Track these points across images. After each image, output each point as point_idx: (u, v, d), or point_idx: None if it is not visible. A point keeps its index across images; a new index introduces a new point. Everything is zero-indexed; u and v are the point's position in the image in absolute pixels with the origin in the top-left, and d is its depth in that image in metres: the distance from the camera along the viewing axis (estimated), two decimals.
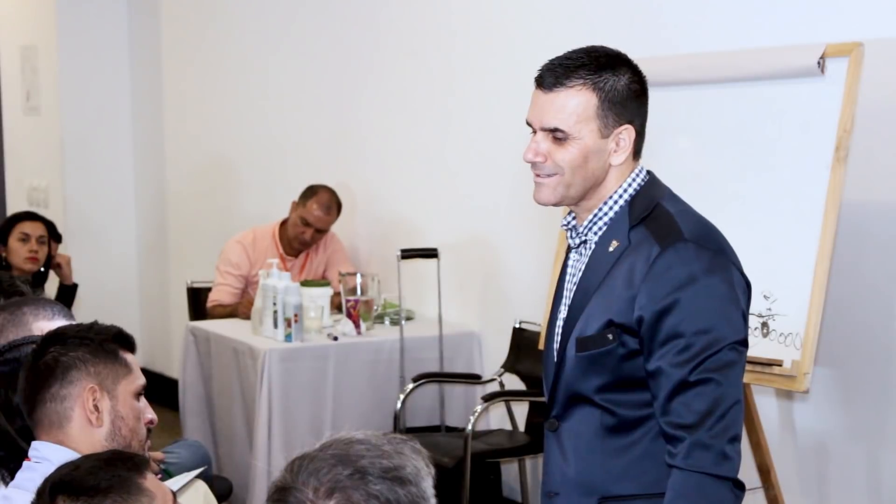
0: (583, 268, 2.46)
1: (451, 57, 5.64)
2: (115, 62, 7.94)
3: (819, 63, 3.50)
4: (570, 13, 4.99)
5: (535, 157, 2.41)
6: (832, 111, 3.45)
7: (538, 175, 2.42)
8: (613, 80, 2.38)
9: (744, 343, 2.37)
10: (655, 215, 2.40)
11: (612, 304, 2.37)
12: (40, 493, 1.99)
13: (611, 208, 2.43)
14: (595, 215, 2.44)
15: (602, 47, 2.43)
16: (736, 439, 2.33)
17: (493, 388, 5.22)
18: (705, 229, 2.41)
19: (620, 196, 2.43)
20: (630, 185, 2.44)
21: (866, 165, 3.77)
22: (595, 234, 2.45)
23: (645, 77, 2.44)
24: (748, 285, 2.42)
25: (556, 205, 2.46)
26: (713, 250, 2.37)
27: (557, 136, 2.38)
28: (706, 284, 2.32)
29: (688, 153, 3.82)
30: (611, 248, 2.41)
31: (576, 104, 2.37)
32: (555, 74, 2.38)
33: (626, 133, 2.40)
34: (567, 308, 2.48)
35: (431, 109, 5.78)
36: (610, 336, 2.37)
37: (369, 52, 6.11)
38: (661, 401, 2.33)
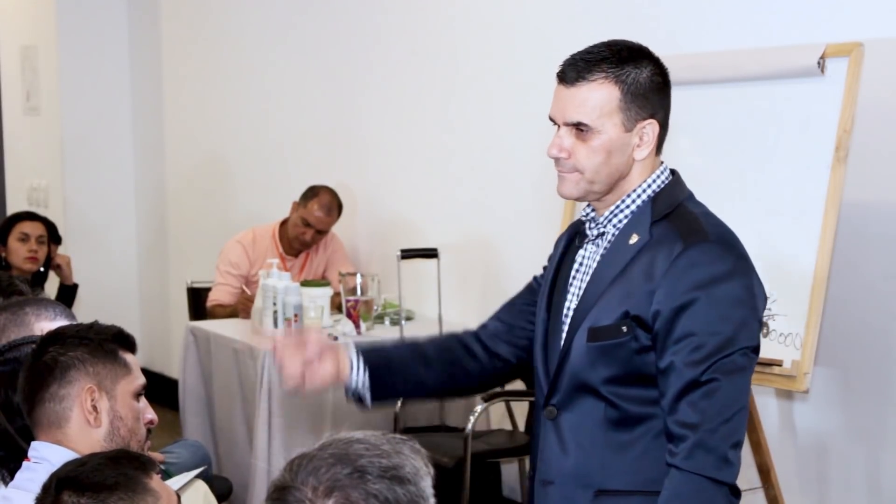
0: (599, 258, 2.44)
1: (452, 56, 5.64)
2: (115, 62, 7.94)
3: (819, 63, 3.50)
4: (571, 14, 4.99)
5: (559, 152, 2.39)
6: (832, 111, 3.45)
7: (561, 170, 2.41)
8: (636, 73, 2.36)
9: (755, 350, 2.36)
10: (679, 213, 2.39)
11: (629, 296, 2.36)
12: (46, 487, 2.00)
13: (633, 202, 2.42)
14: (617, 207, 2.42)
15: (623, 41, 2.41)
16: (738, 445, 2.32)
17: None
18: (729, 233, 2.40)
19: (644, 191, 2.42)
20: (654, 181, 2.43)
21: (866, 165, 3.77)
22: (615, 226, 2.43)
23: (667, 70, 2.42)
24: (764, 296, 2.41)
25: (579, 199, 2.45)
26: (736, 255, 2.36)
27: (581, 129, 2.37)
28: (727, 287, 2.31)
29: (688, 153, 3.81)
30: (631, 241, 2.39)
31: (598, 97, 2.35)
32: (576, 69, 2.37)
33: (651, 127, 2.39)
34: (578, 298, 2.45)
35: (432, 109, 5.78)
36: (624, 328, 2.35)
37: (370, 51, 6.11)
38: (669, 398, 2.32)
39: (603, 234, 2.45)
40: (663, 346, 2.33)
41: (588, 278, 2.45)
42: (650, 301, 2.33)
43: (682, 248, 2.32)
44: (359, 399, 2.59)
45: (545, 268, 2.65)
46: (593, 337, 2.39)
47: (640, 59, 2.38)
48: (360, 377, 2.56)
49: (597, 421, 2.41)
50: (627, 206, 2.42)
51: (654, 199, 2.41)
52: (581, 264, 2.49)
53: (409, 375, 2.59)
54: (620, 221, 2.42)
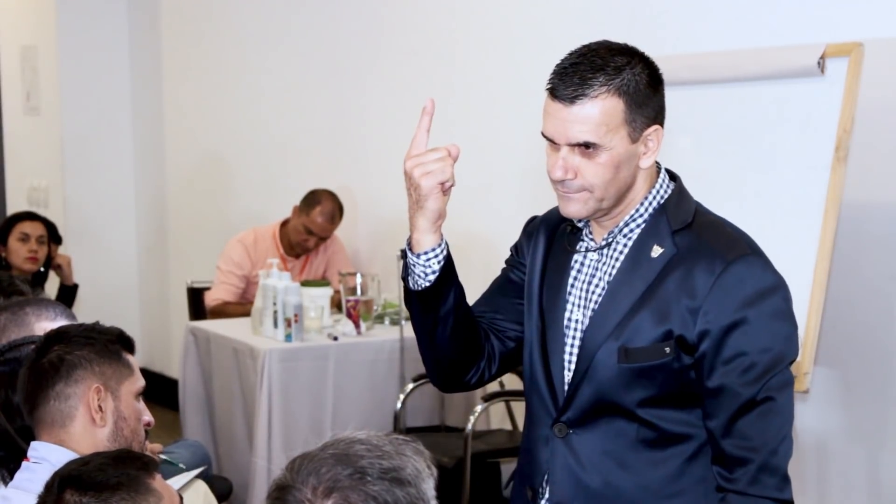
0: (611, 270, 2.33)
1: (452, 57, 5.64)
2: (115, 62, 7.94)
3: (819, 63, 3.50)
4: (571, 14, 5.00)
5: (565, 174, 2.24)
6: (832, 111, 3.45)
7: (566, 191, 2.28)
8: (635, 80, 2.22)
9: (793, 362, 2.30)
10: (702, 222, 2.31)
11: (666, 315, 2.25)
12: (49, 486, 2.01)
13: (646, 210, 2.32)
14: (630, 217, 2.32)
15: (609, 43, 2.28)
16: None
17: (493, 388, 5.22)
18: (753, 240, 2.33)
19: (654, 198, 2.32)
20: (661, 187, 2.33)
21: (866, 165, 3.77)
22: (626, 236, 2.32)
23: (656, 65, 2.30)
24: None
25: (587, 218, 2.34)
26: (772, 265, 2.29)
27: (587, 148, 2.23)
28: (773, 301, 2.25)
29: (688, 153, 3.82)
30: (654, 254, 2.28)
31: (603, 114, 2.21)
32: (572, 85, 2.21)
33: (656, 135, 2.27)
34: (587, 310, 2.34)
35: None
36: (667, 349, 2.25)
37: (370, 52, 6.11)
38: (722, 420, 2.24)
39: (610, 244, 2.34)
40: (711, 366, 2.24)
41: (598, 290, 2.33)
42: (694, 320, 2.23)
43: (726, 264, 2.23)
44: (406, 274, 2.34)
45: (514, 261, 2.54)
46: (627, 358, 2.27)
47: (633, 61, 2.24)
48: (438, 252, 2.29)
49: (629, 441, 2.31)
50: (644, 212, 2.31)
51: (665, 205, 2.31)
52: (580, 272, 2.38)
53: (459, 299, 2.39)
54: (632, 231, 2.32)
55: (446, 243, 2.32)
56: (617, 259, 2.33)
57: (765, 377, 2.22)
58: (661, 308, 2.26)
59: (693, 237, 2.28)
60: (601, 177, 2.25)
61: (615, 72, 2.22)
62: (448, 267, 2.33)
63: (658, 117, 2.29)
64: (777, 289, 2.27)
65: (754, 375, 2.22)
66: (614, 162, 2.24)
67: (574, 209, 2.29)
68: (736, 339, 2.23)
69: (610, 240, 2.34)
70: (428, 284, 2.33)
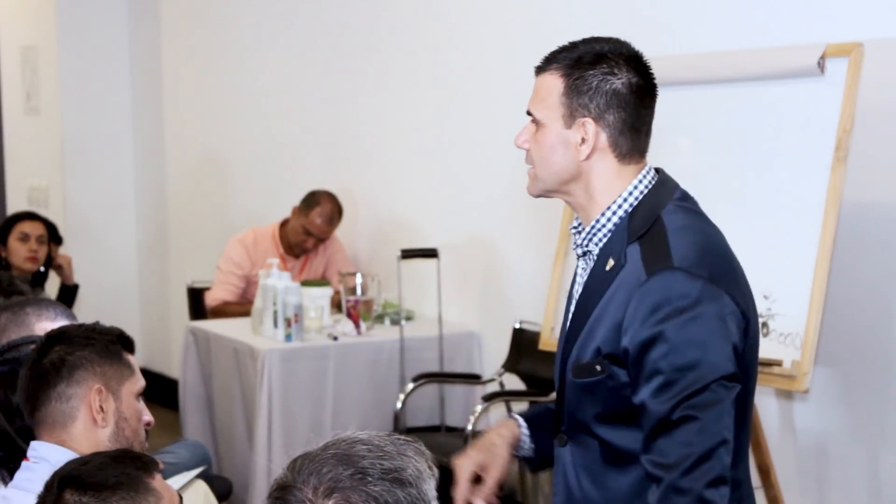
0: (583, 283, 2.33)
1: (450, 57, 5.64)
2: (115, 62, 7.94)
3: (819, 63, 3.50)
4: (572, 15, 4.99)
5: (522, 142, 2.36)
6: (832, 111, 3.45)
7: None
8: (585, 69, 2.24)
9: (732, 378, 2.18)
10: (652, 233, 2.23)
11: (601, 331, 2.23)
12: (48, 486, 2.01)
13: (608, 220, 2.28)
14: (598, 221, 2.29)
15: (607, 39, 2.30)
16: (719, 482, 2.15)
17: (493, 388, 5.22)
18: (700, 252, 2.22)
19: (620, 206, 2.28)
20: (631, 193, 2.28)
21: (866, 165, 3.77)
22: (596, 245, 2.30)
23: (650, 78, 2.29)
24: (742, 314, 2.22)
25: (539, 196, 2.39)
26: (704, 279, 2.17)
27: (533, 121, 2.33)
28: (693, 316, 2.15)
29: (688, 153, 3.82)
30: (607, 267, 2.25)
31: (544, 89, 2.29)
32: (543, 59, 2.32)
33: (590, 126, 2.25)
34: (569, 324, 2.35)
35: (431, 110, 5.78)
36: (598, 367, 2.23)
37: (369, 52, 6.11)
38: (643, 437, 2.20)
39: (588, 252, 2.33)
40: (636, 383, 2.19)
41: (575, 304, 2.34)
42: (618, 336, 2.20)
43: (645, 279, 2.18)
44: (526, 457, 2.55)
45: None
46: (576, 373, 2.28)
47: (602, 60, 2.25)
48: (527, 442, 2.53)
49: (595, 456, 2.31)
50: (607, 222, 2.28)
51: (633, 213, 2.26)
52: (576, 282, 2.38)
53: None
54: (600, 240, 2.29)
55: (522, 434, 2.51)
56: (589, 273, 2.33)
57: (681, 395, 2.14)
58: (599, 324, 2.25)
59: (638, 249, 2.24)
60: (538, 154, 2.34)
61: (576, 58, 2.27)
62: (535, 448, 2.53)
63: (603, 119, 2.26)
64: (698, 303, 2.16)
65: (670, 394, 2.15)
66: (548, 141, 2.31)
67: (528, 186, 2.39)
68: (651, 356, 2.17)
69: (586, 248, 2.34)
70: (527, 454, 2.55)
